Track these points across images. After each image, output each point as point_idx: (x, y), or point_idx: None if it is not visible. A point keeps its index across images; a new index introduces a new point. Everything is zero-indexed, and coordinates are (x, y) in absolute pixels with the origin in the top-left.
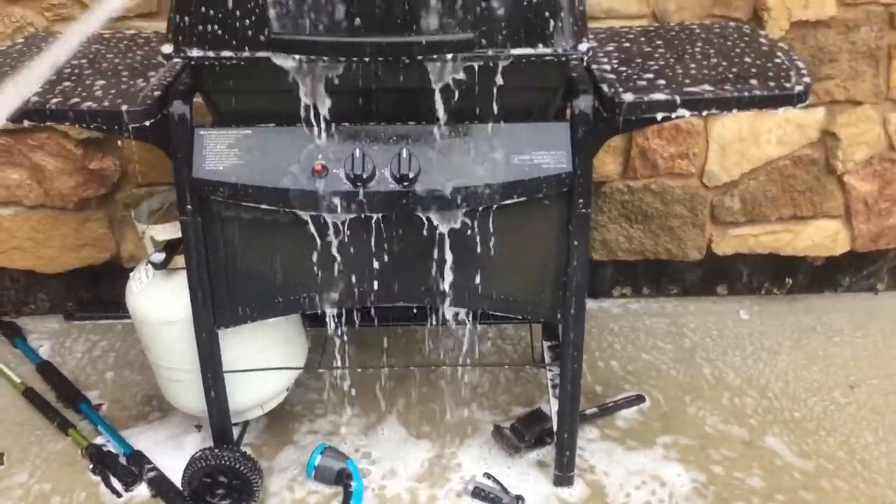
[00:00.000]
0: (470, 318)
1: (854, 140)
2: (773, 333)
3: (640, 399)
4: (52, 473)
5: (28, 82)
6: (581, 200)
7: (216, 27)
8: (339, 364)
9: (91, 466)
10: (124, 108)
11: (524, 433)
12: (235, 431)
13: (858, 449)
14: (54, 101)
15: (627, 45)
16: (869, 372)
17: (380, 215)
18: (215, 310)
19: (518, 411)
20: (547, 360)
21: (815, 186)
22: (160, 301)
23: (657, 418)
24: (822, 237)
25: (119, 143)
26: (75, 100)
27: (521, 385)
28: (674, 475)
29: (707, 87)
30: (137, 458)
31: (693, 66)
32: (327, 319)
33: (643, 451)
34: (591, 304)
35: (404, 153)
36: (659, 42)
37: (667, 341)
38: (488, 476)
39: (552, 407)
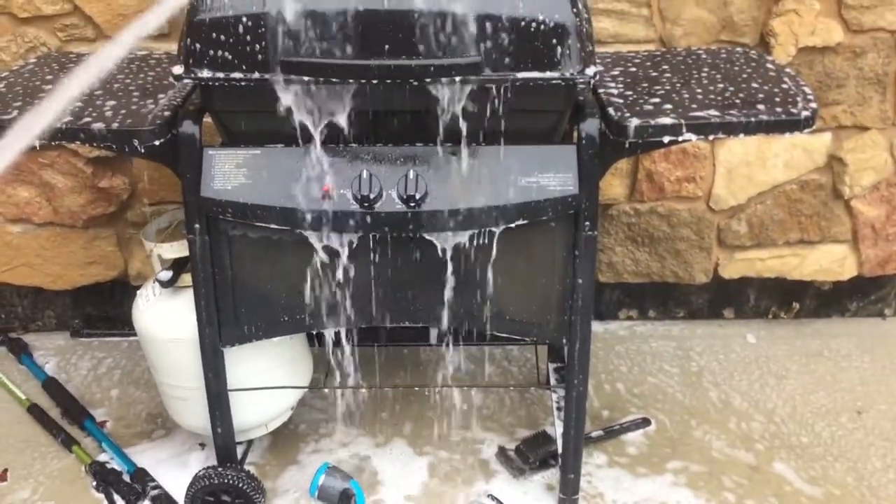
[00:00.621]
0: (475, 340)
1: (861, 165)
2: (780, 358)
3: (645, 422)
4: (55, 490)
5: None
6: (587, 223)
7: (226, 50)
8: (344, 384)
9: (94, 484)
10: (134, 128)
11: (529, 455)
12: (239, 450)
13: (866, 475)
14: (65, 120)
15: (634, 69)
16: (877, 397)
17: (386, 236)
18: (221, 328)
19: (523, 433)
20: (552, 382)
21: (822, 211)
22: (166, 319)
23: (664, 443)
24: (829, 262)
25: (133, 164)
26: (86, 119)
27: (525, 407)
28: (683, 502)
29: (713, 111)
30: (141, 476)
31: (700, 90)
32: (332, 339)
33: (652, 478)
34: (597, 326)
35: (411, 174)
36: (666, 67)
37: (673, 365)
38: (492, 497)
39: (557, 429)
